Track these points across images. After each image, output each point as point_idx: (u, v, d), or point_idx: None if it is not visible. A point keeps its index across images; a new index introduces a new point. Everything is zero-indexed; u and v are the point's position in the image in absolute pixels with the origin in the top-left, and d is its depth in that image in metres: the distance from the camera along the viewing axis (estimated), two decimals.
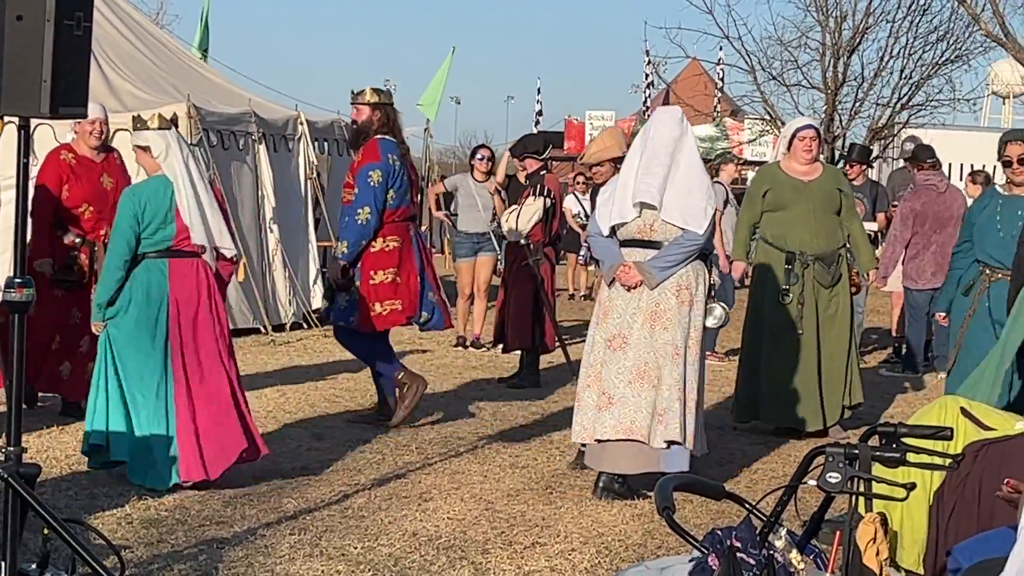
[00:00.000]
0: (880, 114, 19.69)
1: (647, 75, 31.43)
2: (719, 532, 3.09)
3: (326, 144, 14.85)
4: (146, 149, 6.79)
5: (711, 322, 6.93)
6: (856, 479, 3.13)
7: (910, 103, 19.59)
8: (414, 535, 6.03)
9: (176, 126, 6.98)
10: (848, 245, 8.84)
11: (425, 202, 21.26)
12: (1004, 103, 33.52)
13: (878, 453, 3.21)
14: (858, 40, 19.40)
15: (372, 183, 8.16)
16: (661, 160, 6.72)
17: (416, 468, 7.43)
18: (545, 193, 10.92)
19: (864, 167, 12.44)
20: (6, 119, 8.34)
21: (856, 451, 3.15)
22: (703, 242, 6.79)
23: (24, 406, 7.57)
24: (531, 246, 10.73)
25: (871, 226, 11.32)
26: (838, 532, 3.19)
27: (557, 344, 10.82)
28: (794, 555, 3.13)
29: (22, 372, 4.49)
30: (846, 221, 8.80)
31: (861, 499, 3.21)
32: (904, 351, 11.89)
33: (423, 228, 19.31)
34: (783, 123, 15.05)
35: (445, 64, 18.52)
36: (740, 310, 9.49)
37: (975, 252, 7.73)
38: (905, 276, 11.42)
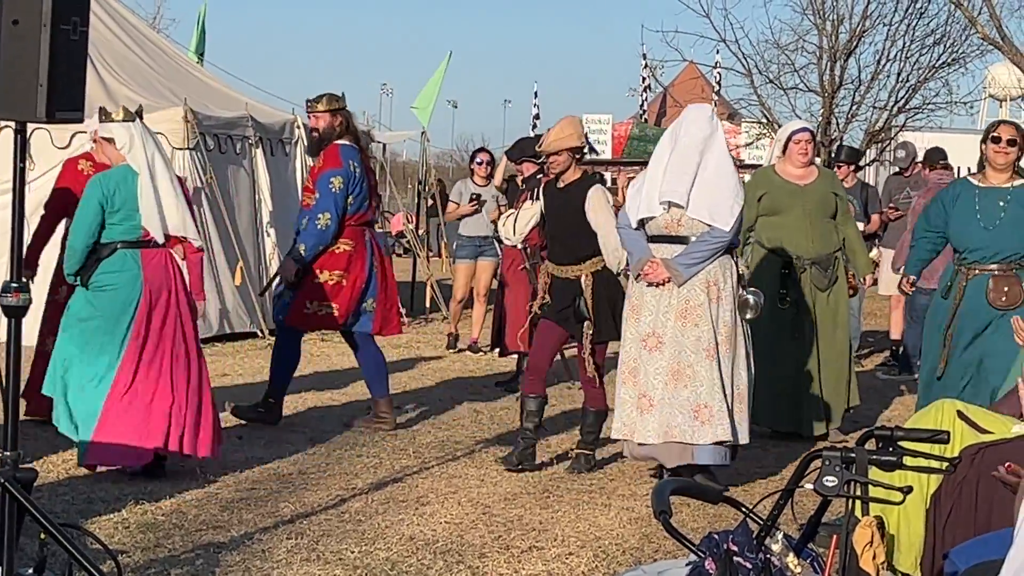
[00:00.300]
0: (877, 117, 19.65)
1: (644, 78, 31.36)
2: (716, 536, 3.09)
3: None
4: (110, 141, 6.86)
5: (749, 315, 6.98)
6: (853, 483, 3.13)
7: (907, 106, 19.55)
8: (411, 539, 6.03)
9: (141, 118, 7.02)
10: (844, 248, 8.83)
11: (422, 205, 21.26)
12: (1001, 106, 33.53)
13: (875, 457, 3.22)
14: (855, 43, 19.36)
15: (333, 189, 8.21)
16: (691, 158, 6.80)
17: (413, 472, 7.43)
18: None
19: (852, 168, 12.41)
20: (2, 123, 8.34)
21: (853, 455, 3.16)
22: (730, 238, 6.87)
23: (30, 417, 7.69)
24: (528, 250, 10.71)
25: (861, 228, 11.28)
26: (835, 536, 3.19)
27: None
28: (791, 559, 3.13)
29: (18, 376, 4.49)
30: (842, 224, 8.80)
31: (858, 503, 3.21)
32: (901, 354, 11.88)
33: (420, 231, 19.37)
34: (780, 126, 15.02)
35: (441, 68, 18.43)
36: None
37: (952, 245, 7.60)
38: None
